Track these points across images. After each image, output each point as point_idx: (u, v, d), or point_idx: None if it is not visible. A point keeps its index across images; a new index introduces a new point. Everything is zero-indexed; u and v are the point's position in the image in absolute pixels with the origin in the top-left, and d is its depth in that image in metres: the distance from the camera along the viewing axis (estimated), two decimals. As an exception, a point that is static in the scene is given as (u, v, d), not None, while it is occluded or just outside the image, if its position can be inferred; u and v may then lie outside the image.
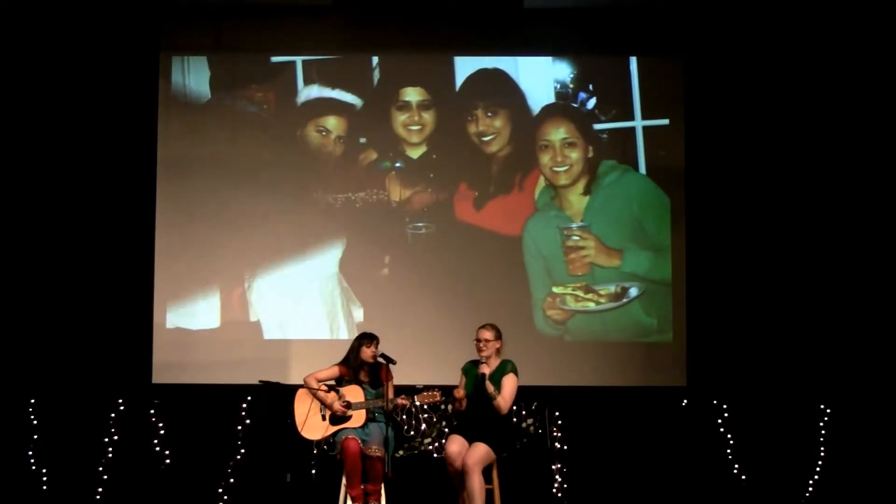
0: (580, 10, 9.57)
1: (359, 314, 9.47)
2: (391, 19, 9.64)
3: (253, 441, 9.18)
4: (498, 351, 7.80)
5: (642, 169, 9.62)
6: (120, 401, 9.19)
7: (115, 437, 9.15)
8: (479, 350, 7.77)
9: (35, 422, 9.10)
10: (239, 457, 9.16)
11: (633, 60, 9.65)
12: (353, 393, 8.09)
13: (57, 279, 9.32)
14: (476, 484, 7.49)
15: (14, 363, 9.17)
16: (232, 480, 9.13)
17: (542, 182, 9.66)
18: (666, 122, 9.61)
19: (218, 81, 9.62)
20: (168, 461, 9.17)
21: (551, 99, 9.67)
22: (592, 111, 9.64)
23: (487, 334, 7.78)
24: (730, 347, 9.41)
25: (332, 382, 8.18)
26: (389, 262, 9.60)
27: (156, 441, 9.19)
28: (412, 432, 9.21)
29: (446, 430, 9.10)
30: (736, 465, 9.22)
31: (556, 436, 9.22)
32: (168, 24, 9.58)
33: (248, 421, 9.19)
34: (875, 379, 9.19)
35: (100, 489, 9.09)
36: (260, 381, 8.66)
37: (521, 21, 9.61)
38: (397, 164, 9.62)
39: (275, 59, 9.63)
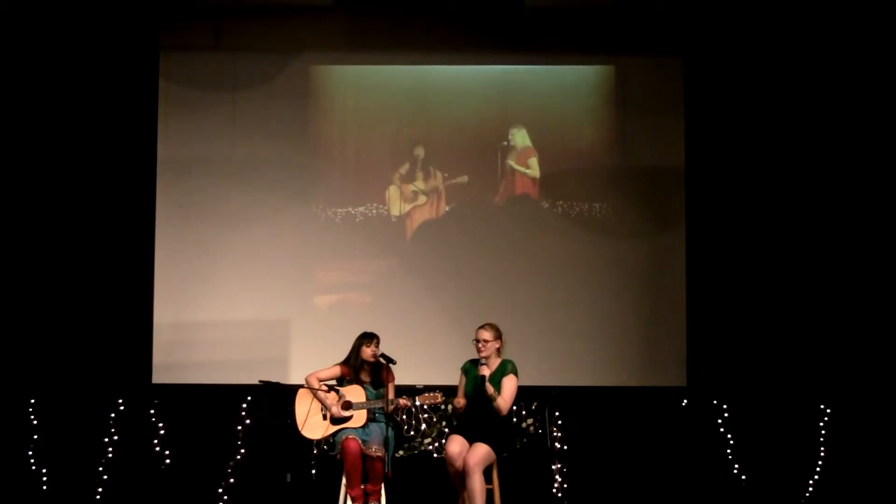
0: (580, 10, 9.58)
1: (359, 314, 9.47)
2: (391, 19, 9.63)
3: (253, 441, 9.19)
4: (498, 351, 7.80)
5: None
6: (120, 401, 9.19)
7: (115, 437, 9.15)
8: (479, 350, 7.76)
9: (35, 422, 9.11)
10: (239, 457, 9.16)
11: (634, 60, 9.65)
12: (354, 393, 8.09)
13: (57, 279, 9.32)
14: (477, 484, 7.49)
15: (14, 363, 9.17)
16: (232, 480, 9.14)
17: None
18: (666, 121, 9.62)
19: (218, 81, 9.62)
20: (168, 461, 9.17)
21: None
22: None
23: (486, 335, 7.77)
24: (730, 347, 9.41)
25: (334, 382, 8.18)
26: (390, 263, 9.61)
27: (156, 441, 9.19)
28: (412, 432, 9.22)
29: (446, 430, 9.10)
30: (736, 465, 9.23)
31: (556, 436, 9.22)
32: (168, 24, 9.58)
33: (248, 421, 9.19)
34: (875, 379, 9.19)
35: (100, 489, 9.09)
36: (260, 381, 8.66)
37: (521, 21, 9.61)
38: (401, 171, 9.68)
39: (275, 58, 9.62)
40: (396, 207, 9.65)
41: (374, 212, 9.64)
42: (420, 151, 9.67)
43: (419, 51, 9.67)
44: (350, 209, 9.63)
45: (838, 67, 9.39)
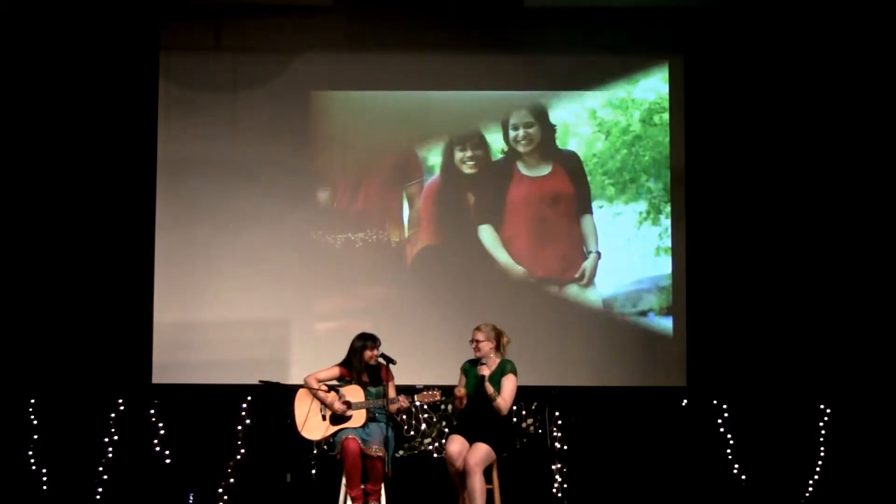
0: (580, 10, 9.58)
1: (360, 314, 9.46)
2: (391, 19, 9.63)
3: (253, 441, 9.19)
4: (498, 351, 7.80)
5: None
6: (120, 401, 9.19)
7: (115, 437, 9.15)
8: (474, 350, 7.79)
9: (35, 422, 9.11)
10: (239, 457, 9.16)
11: (634, 60, 9.65)
12: (354, 393, 8.09)
13: (57, 279, 9.32)
14: (477, 484, 7.49)
15: (14, 363, 9.17)
16: (232, 480, 9.14)
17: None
18: (666, 120, 9.62)
19: (218, 81, 9.62)
20: (168, 461, 9.17)
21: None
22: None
23: (479, 335, 7.79)
24: (730, 347, 9.41)
25: (334, 382, 8.18)
26: (391, 264, 9.61)
27: (156, 441, 9.19)
28: (412, 432, 9.22)
29: (446, 430, 9.10)
30: (736, 465, 9.23)
31: (556, 436, 9.22)
32: (168, 24, 9.59)
33: (248, 421, 9.19)
34: (875, 379, 9.20)
35: (100, 489, 9.09)
36: (260, 381, 8.67)
37: (521, 20, 9.61)
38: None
39: (275, 58, 9.62)
40: (396, 233, 9.64)
41: (374, 237, 9.62)
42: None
43: (419, 50, 9.65)
44: (350, 235, 9.60)
45: (838, 67, 9.39)
